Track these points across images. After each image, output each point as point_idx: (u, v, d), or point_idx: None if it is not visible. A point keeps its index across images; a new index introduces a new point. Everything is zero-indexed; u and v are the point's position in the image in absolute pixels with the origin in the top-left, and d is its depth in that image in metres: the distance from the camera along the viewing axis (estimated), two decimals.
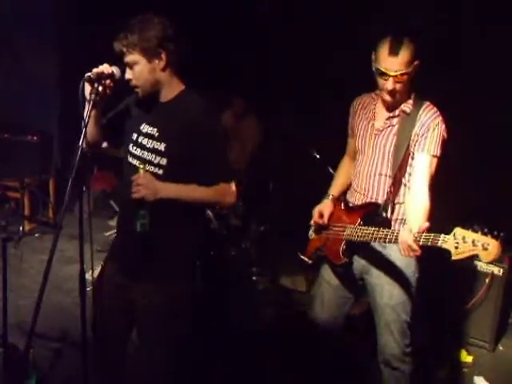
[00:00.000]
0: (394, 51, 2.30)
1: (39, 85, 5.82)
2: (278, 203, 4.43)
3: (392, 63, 2.30)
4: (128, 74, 2.18)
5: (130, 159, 2.29)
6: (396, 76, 2.31)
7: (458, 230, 2.00)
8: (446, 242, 2.02)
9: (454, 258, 2.01)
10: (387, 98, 2.41)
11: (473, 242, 1.96)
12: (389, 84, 2.34)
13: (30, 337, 2.01)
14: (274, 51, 4.98)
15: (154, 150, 2.21)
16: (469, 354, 3.61)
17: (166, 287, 2.24)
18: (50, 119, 6.08)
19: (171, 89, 2.23)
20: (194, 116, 2.18)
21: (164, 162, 2.19)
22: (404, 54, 2.30)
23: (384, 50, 2.32)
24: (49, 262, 1.87)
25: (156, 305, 2.23)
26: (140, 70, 2.15)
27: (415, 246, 2.13)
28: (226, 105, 4.66)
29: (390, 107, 2.48)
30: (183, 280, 2.30)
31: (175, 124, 2.19)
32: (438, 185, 2.41)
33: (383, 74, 2.34)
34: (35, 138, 5.63)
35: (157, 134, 2.22)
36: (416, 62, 2.34)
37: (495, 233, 1.94)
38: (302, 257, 2.77)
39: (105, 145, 2.41)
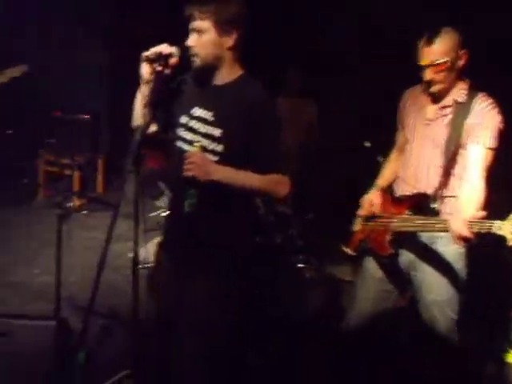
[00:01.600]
0: (428, 41, 2.28)
1: (90, 69, 6.18)
2: (327, 191, 4.38)
3: (426, 53, 2.28)
4: (191, 41, 2.05)
5: (180, 144, 2.18)
6: (430, 66, 2.28)
7: None
8: (501, 227, 1.93)
9: (510, 243, 1.92)
10: (427, 89, 2.37)
11: None
12: (425, 74, 2.31)
13: (88, 312, 2.05)
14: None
15: (207, 136, 2.10)
16: None
17: (212, 280, 2.12)
18: (100, 100, 6.33)
19: (231, 71, 2.12)
20: (254, 101, 2.07)
21: (220, 148, 2.08)
22: (439, 43, 2.26)
23: (421, 43, 2.31)
24: (107, 240, 1.88)
25: (201, 298, 2.12)
26: (207, 40, 2.03)
27: (468, 233, 2.04)
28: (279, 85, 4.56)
29: (436, 98, 2.41)
30: (231, 273, 2.16)
31: (233, 108, 2.08)
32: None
33: (421, 66, 2.31)
34: (86, 117, 5.79)
35: (212, 118, 2.10)
36: (461, 52, 2.29)
37: None
38: (346, 249, 2.71)
39: (153, 129, 2.21)
